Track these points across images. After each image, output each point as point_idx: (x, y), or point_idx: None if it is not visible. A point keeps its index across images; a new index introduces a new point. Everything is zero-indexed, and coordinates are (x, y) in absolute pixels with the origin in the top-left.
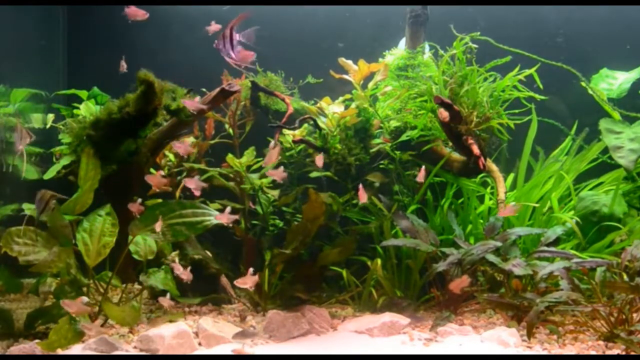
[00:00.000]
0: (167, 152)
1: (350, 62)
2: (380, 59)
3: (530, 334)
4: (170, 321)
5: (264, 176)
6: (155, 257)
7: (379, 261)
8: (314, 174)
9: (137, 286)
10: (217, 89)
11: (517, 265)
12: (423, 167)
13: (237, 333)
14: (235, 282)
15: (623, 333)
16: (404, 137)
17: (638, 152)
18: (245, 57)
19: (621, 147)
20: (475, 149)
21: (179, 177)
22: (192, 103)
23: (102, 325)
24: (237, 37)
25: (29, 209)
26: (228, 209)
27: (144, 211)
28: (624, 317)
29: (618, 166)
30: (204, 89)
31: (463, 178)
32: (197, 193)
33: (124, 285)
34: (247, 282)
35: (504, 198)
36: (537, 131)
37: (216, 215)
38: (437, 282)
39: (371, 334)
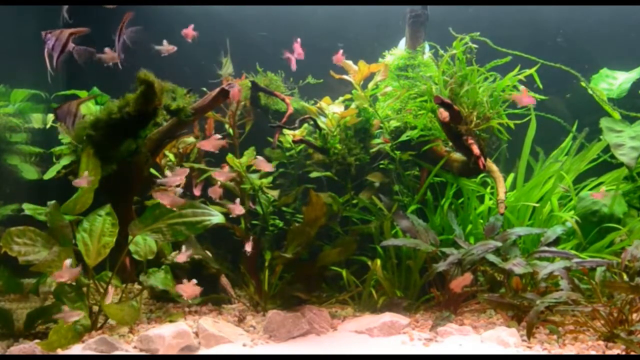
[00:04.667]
0: (167, 152)
1: (350, 62)
2: (380, 59)
3: (530, 334)
4: (170, 321)
5: (264, 176)
6: (155, 257)
7: (378, 261)
8: (314, 174)
9: (137, 286)
10: (217, 89)
11: (517, 265)
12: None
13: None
14: (176, 287)
15: (623, 333)
16: (404, 137)
17: (639, 150)
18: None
19: (622, 144)
20: (475, 149)
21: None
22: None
23: (102, 326)
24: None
25: (29, 209)
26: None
27: (144, 211)
28: (624, 317)
29: (618, 166)
30: (204, 89)
31: (463, 178)
32: (197, 193)
33: (124, 285)
34: (187, 290)
35: (504, 198)
36: (537, 131)
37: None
38: (437, 282)
39: (371, 334)
